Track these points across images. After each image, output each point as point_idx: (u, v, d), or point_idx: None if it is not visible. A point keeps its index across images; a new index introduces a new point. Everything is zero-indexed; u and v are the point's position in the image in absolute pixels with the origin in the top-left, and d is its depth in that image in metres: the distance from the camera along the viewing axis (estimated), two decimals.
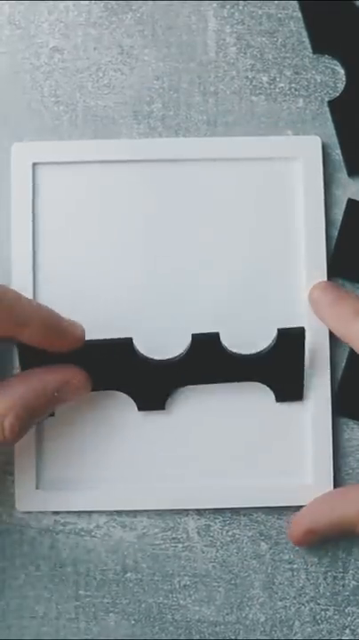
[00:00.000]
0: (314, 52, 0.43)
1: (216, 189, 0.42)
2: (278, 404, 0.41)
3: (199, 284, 0.42)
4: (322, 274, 0.42)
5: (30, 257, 0.42)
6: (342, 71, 0.43)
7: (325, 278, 0.42)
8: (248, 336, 0.41)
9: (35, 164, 0.42)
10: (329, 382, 0.41)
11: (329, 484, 0.41)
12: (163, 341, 0.41)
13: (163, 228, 0.42)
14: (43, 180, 0.42)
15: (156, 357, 0.41)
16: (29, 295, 0.41)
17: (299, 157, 0.42)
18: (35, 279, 0.42)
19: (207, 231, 0.42)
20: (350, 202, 0.42)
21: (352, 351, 0.41)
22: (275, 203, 0.42)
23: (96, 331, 0.40)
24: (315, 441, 0.41)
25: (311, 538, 0.40)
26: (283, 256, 0.42)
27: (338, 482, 0.41)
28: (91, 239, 0.42)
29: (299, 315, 0.42)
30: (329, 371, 0.41)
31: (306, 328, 0.41)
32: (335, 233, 0.42)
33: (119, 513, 0.41)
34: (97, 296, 0.42)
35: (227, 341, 0.40)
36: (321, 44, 0.43)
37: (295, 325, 0.41)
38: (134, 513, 0.41)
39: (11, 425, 0.37)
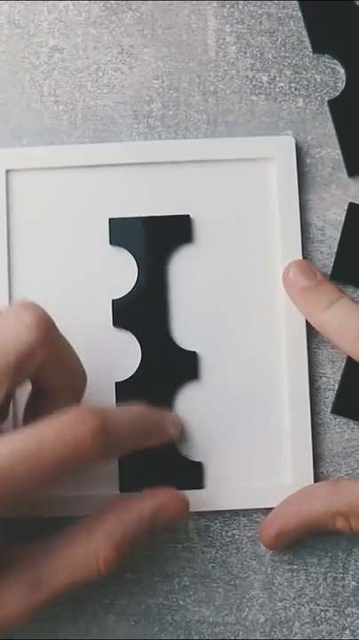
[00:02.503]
0: (314, 52, 0.43)
1: (189, 192, 0.42)
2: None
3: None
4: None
5: (5, 266, 0.41)
6: (342, 71, 0.43)
7: None
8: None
9: (8, 171, 0.42)
10: (307, 380, 0.41)
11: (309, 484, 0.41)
12: None
13: None
14: (17, 187, 0.42)
15: None
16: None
17: (274, 158, 0.42)
18: (11, 287, 0.41)
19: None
20: (351, 206, 0.42)
21: None
22: (249, 205, 0.42)
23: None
24: (294, 441, 0.41)
25: (282, 540, 0.40)
26: (261, 257, 0.42)
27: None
28: (66, 248, 0.42)
29: (278, 317, 0.42)
30: (307, 369, 0.41)
31: (284, 326, 0.41)
32: (335, 233, 0.42)
33: None
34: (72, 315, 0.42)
35: None
36: (321, 44, 0.43)
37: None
38: None
39: (105, 559, 0.36)
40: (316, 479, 0.41)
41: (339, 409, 0.42)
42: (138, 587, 0.41)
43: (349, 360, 0.42)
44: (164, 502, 0.38)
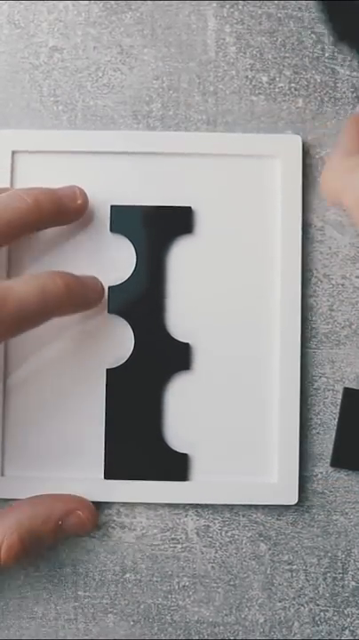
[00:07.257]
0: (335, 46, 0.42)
1: (193, 185, 0.42)
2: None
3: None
4: (296, 275, 0.42)
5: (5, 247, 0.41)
6: (342, 71, 0.43)
7: (299, 280, 0.42)
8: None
9: (14, 152, 0.42)
10: (298, 378, 0.41)
11: (294, 484, 0.41)
12: None
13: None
14: (22, 168, 0.42)
15: None
16: None
17: (279, 156, 0.42)
18: (10, 269, 0.41)
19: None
20: None
21: (346, 400, 0.41)
22: (252, 201, 0.42)
23: None
24: (282, 438, 0.41)
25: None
26: (260, 259, 0.42)
27: (332, 483, 0.41)
28: (66, 232, 0.42)
29: (273, 313, 0.42)
30: (299, 367, 0.41)
31: (278, 323, 0.41)
32: (334, 233, 0.42)
33: (118, 514, 0.41)
34: None
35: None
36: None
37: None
38: (134, 514, 0.41)
39: (8, 547, 0.37)
40: (315, 478, 0.41)
41: (338, 462, 0.41)
42: (137, 587, 0.41)
43: (343, 411, 0.41)
44: (75, 508, 0.39)
